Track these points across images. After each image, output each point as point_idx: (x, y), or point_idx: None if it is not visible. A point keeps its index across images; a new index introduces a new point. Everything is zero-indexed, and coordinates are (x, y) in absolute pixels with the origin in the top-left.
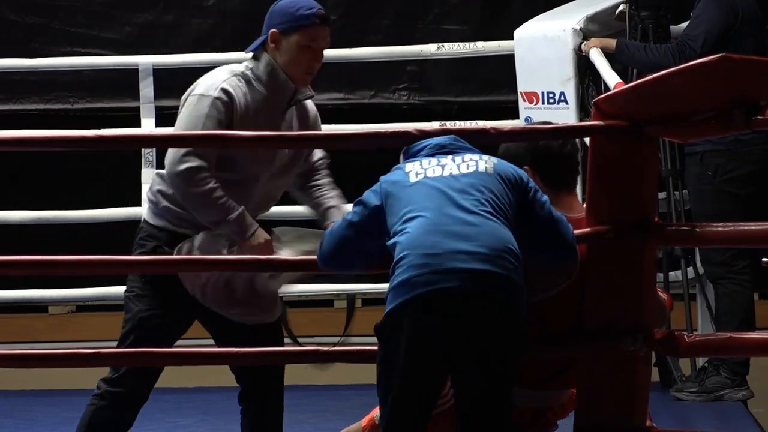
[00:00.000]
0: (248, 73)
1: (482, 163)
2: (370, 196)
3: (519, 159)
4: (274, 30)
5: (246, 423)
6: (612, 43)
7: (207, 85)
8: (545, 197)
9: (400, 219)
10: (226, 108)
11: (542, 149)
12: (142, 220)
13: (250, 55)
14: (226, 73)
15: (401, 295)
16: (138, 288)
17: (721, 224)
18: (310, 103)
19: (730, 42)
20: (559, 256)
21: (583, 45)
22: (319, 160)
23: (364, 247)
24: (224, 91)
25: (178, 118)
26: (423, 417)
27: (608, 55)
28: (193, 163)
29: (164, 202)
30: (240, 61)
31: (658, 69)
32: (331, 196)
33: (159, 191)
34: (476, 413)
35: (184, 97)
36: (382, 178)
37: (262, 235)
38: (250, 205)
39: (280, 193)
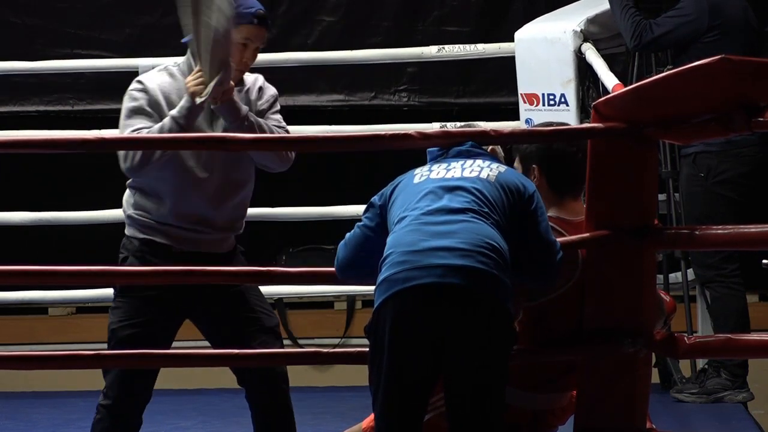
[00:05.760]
0: (173, 67)
1: (486, 170)
2: (376, 198)
3: (528, 158)
4: None
5: (255, 423)
6: None
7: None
8: (546, 218)
9: (395, 219)
10: (141, 93)
11: (552, 152)
12: None
13: None
14: (153, 70)
15: (383, 292)
16: (113, 301)
17: (720, 227)
18: (259, 87)
19: (708, 44)
20: (536, 278)
21: None
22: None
23: (378, 248)
24: (138, 81)
25: None
26: (413, 415)
27: (606, 57)
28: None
29: (129, 211)
30: None
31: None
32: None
33: (126, 201)
34: (461, 410)
35: None
36: (395, 180)
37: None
38: (204, 197)
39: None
